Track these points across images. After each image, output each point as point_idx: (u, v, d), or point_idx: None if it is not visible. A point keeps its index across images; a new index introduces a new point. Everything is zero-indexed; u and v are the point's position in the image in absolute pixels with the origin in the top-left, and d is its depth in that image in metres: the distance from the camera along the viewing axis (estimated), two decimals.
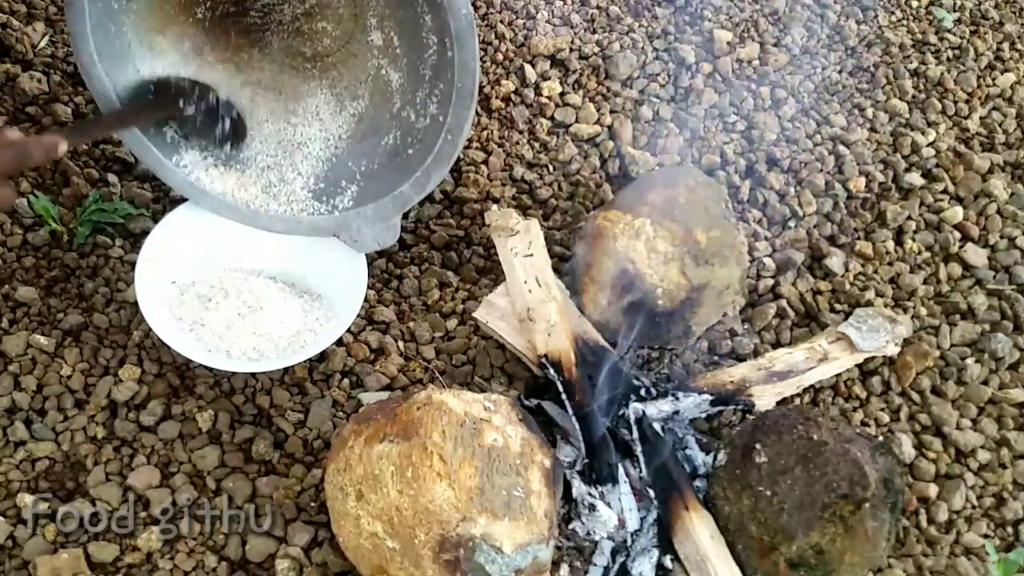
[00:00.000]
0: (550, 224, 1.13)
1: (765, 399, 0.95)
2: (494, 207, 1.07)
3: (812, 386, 0.99)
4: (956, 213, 1.16)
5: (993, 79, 1.35)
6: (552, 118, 1.23)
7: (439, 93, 0.92)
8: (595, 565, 0.85)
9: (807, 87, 1.30)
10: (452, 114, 0.89)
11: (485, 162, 1.18)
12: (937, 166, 1.22)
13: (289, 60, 1.02)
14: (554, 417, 0.91)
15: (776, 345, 1.04)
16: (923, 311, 1.08)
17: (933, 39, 1.40)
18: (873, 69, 1.34)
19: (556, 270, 1.01)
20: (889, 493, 0.80)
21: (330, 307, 0.96)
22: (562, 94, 1.25)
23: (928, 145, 1.25)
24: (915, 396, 1.01)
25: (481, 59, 1.21)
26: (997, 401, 1.01)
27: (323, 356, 0.95)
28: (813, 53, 1.35)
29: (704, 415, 0.95)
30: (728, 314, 1.04)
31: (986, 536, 0.92)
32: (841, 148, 1.22)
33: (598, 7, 1.36)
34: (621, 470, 0.89)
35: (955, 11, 1.45)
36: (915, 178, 1.20)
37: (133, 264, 0.92)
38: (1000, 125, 1.29)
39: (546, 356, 0.93)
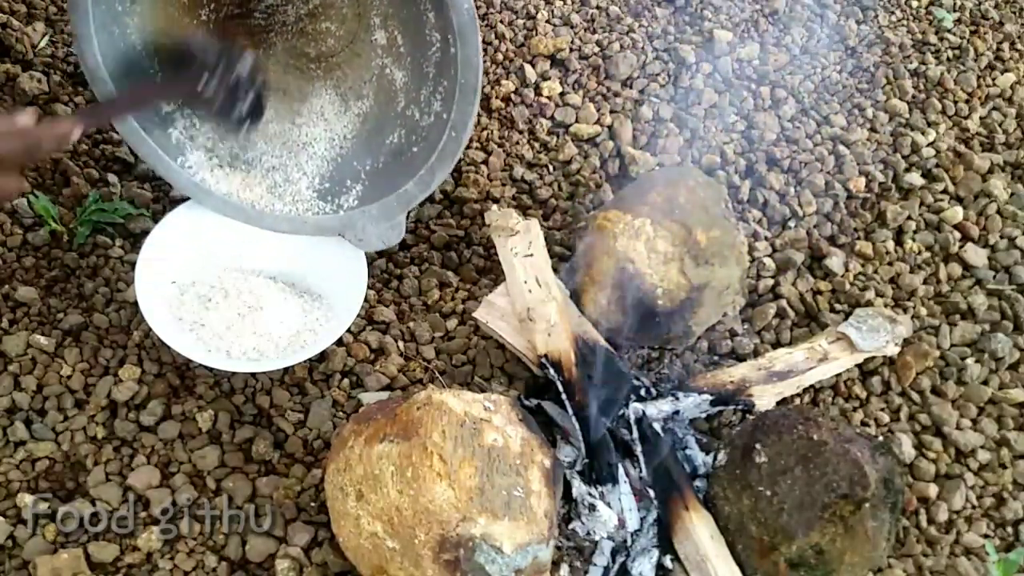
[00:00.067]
0: (550, 224, 1.13)
1: (765, 399, 0.95)
2: (494, 207, 1.07)
3: (812, 386, 0.99)
4: (956, 213, 1.16)
5: (993, 79, 1.35)
6: (552, 118, 1.23)
7: (443, 90, 0.92)
8: (595, 565, 0.85)
9: (807, 87, 1.30)
10: (456, 111, 0.89)
11: (485, 162, 1.18)
12: (937, 166, 1.22)
13: (293, 61, 1.02)
14: (554, 417, 0.91)
15: (776, 345, 1.04)
16: (923, 311, 1.08)
17: (933, 39, 1.40)
18: (873, 69, 1.34)
19: (556, 270, 1.01)
20: (889, 493, 0.80)
21: (330, 307, 0.96)
22: (562, 94, 1.25)
23: (928, 145, 1.25)
24: (915, 396, 1.01)
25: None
26: (997, 401, 1.01)
27: (323, 356, 0.95)
28: (813, 53, 1.35)
29: (704, 415, 0.95)
30: (728, 314, 1.04)
31: (986, 536, 0.92)
32: (841, 148, 1.22)
33: (598, 7, 1.36)
34: (621, 470, 0.89)
35: (955, 11, 1.45)
36: (915, 178, 1.20)
37: (133, 264, 0.92)
38: (1000, 125, 1.29)
39: (546, 356, 0.93)
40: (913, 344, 1.03)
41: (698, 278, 0.98)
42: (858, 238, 1.15)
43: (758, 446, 0.83)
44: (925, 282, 1.12)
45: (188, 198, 0.99)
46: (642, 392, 0.94)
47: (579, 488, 0.88)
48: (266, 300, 0.94)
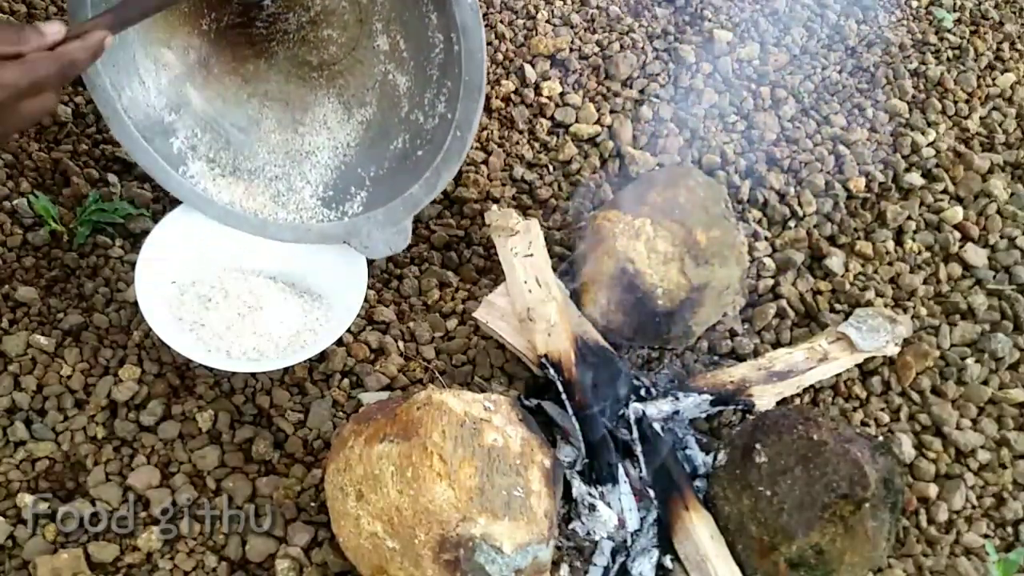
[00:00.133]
0: (550, 224, 1.13)
1: (765, 399, 0.95)
2: (494, 207, 1.07)
3: (812, 386, 0.99)
4: (956, 213, 1.16)
5: (993, 79, 1.35)
6: (552, 118, 1.23)
7: (447, 91, 0.92)
8: (595, 565, 0.85)
9: (807, 87, 1.30)
10: (460, 109, 0.89)
11: (485, 162, 1.18)
12: (937, 166, 1.22)
13: (295, 70, 1.02)
14: (554, 417, 0.91)
15: (776, 345, 1.04)
16: (923, 311, 1.08)
17: (933, 39, 1.40)
18: (873, 69, 1.34)
19: (556, 270, 1.01)
20: (889, 493, 0.80)
21: (330, 307, 0.96)
22: (562, 94, 1.25)
23: (928, 145, 1.25)
24: (915, 396, 1.01)
25: None
26: (997, 401, 1.01)
27: (323, 356, 0.95)
28: (813, 53, 1.35)
29: (704, 415, 0.95)
30: (728, 314, 1.04)
31: (986, 536, 0.92)
32: (841, 148, 1.22)
33: (598, 7, 1.36)
34: (621, 470, 0.89)
35: (955, 11, 1.45)
36: (915, 178, 1.20)
37: (133, 264, 0.92)
38: (1000, 125, 1.29)
39: (546, 356, 0.93)
40: (913, 344, 1.03)
41: (698, 278, 0.98)
42: (858, 238, 1.15)
43: (758, 446, 0.83)
44: (925, 282, 1.12)
45: None
46: (642, 392, 0.94)
47: (579, 488, 0.88)
48: (266, 300, 0.94)
